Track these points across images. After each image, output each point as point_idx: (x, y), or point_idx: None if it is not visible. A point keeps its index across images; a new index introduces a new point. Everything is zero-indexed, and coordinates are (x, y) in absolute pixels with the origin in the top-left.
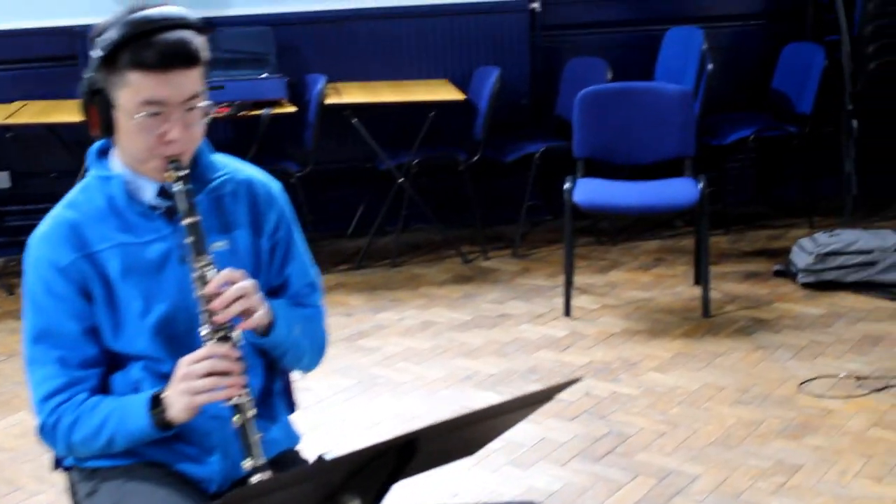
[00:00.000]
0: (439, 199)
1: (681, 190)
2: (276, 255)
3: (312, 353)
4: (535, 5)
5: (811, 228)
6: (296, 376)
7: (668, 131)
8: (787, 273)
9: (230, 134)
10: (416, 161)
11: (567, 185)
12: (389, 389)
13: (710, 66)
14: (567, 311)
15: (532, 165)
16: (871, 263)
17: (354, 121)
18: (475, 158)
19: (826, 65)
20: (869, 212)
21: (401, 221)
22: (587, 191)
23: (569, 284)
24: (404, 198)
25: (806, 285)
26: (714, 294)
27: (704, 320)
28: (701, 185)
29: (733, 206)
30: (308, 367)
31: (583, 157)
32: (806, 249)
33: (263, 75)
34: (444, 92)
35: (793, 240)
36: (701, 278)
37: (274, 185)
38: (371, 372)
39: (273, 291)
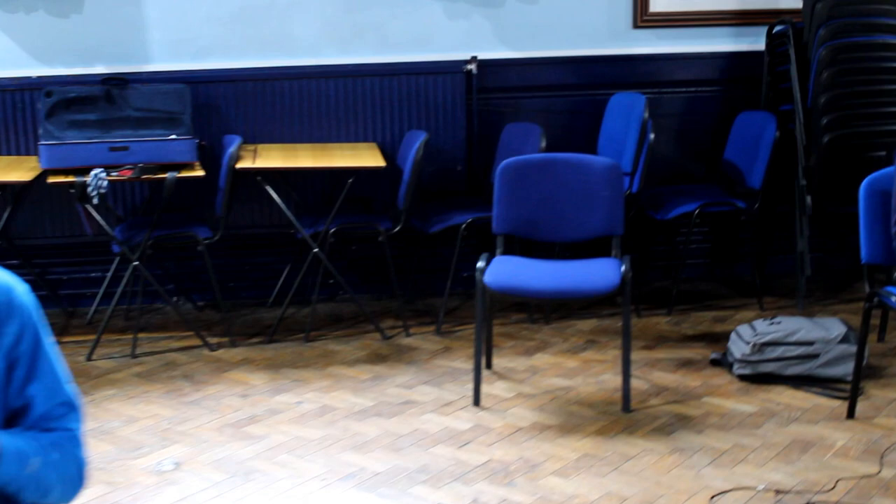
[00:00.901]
0: (367, 269)
1: (602, 273)
2: (15, 374)
3: (64, 486)
4: (472, 67)
5: (760, 311)
6: None
7: (594, 207)
8: (724, 363)
9: (142, 197)
10: (332, 230)
11: (480, 264)
12: (261, 488)
13: (651, 136)
14: (476, 401)
15: (458, 237)
16: (813, 356)
17: (267, 187)
18: (397, 229)
19: (778, 136)
20: (825, 293)
21: (316, 292)
22: (500, 271)
23: (478, 371)
24: (322, 268)
25: (742, 377)
26: (640, 385)
27: (623, 416)
28: (623, 269)
29: (685, 283)
30: (60, 500)
31: (502, 234)
32: (743, 338)
33: (172, 136)
34: (365, 157)
35: (740, 322)
36: (625, 366)
37: (17, 290)
38: (248, 465)
39: (14, 415)
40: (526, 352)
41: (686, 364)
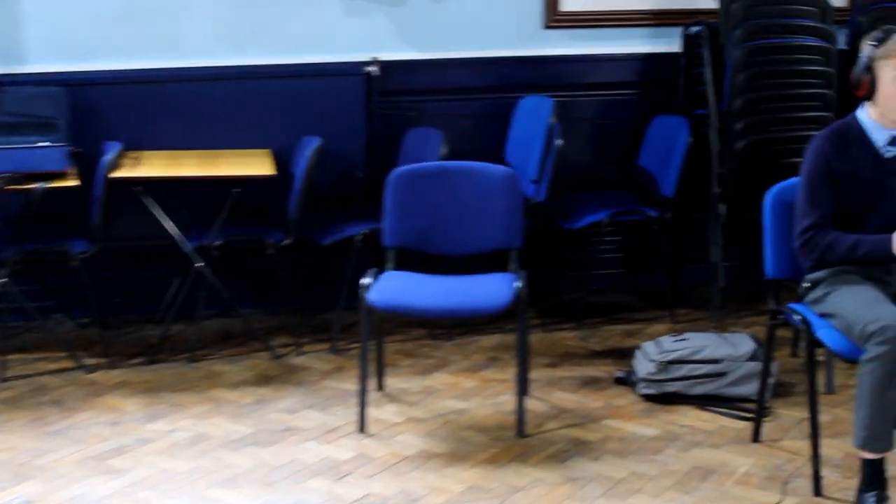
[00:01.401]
0: (263, 283)
1: (494, 290)
2: None
3: None
4: (373, 69)
5: (673, 324)
6: None
7: (491, 219)
8: (628, 381)
9: (16, 209)
10: (217, 243)
11: (365, 280)
12: None
13: (558, 142)
14: (361, 427)
15: (353, 249)
16: (720, 374)
17: (146, 197)
18: (288, 241)
19: (691, 142)
20: (741, 304)
21: (199, 308)
22: (387, 288)
23: (363, 396)
24: (205, 283)
25: (646, 397)
26: (538, 407)
27: (517, 441)
28: (517, 285)
29: (596, 295)
30: None
31: (394, 247)
32: (648, 356)
33: (42, 143)
34: (254, 165)
35: (651, 337)
36: (520, 390)
37: None
38: None
39: None
40: (423, 371)
41: (590, 383)
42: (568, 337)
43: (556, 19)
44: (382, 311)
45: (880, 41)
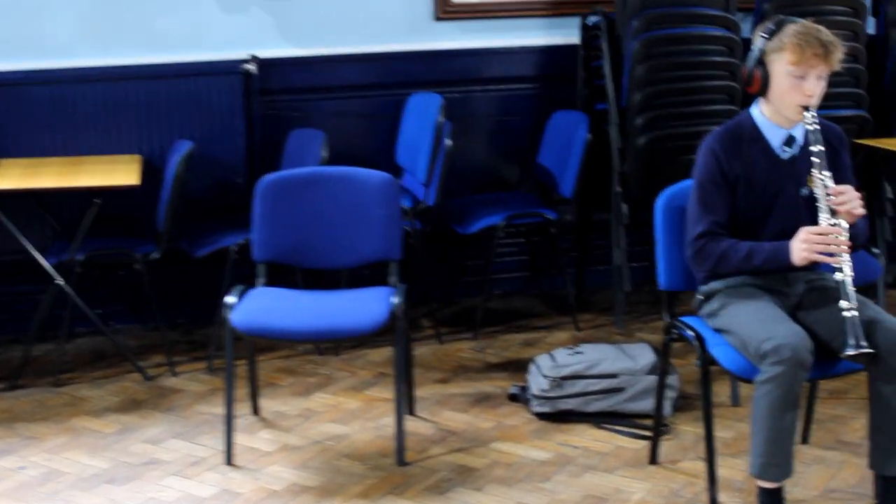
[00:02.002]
0: (138, 298)
1: (367, 307)
2: None
3: None
4: (251, 66)
5: (576, 332)
6: None
7: (368, 229)
8: (522, 398)
9: None
10: (79, 258)
11: (229, 299)
12: None
13: (447, 142)
14: (228, 459)
15: (228, 261)
16: (618, 389)
17: None
18: (156, 254)
19: (590, 139)
20: (648, 308)
21: (65, 328)
22: (251, 308)
23: (229, 424)
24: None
25: (540, 416)
26: (424, 429)
27: (396, 470)
28: (394, 302)
29: (497, 300)
30: None
31: (264, 261)
32: (542, 371)
33: None
34: (119, 173)
35: (551, 346)
36: (398, 416)
37: None
38: None
39: None
40: (304, 391)
41: (482, 400)
42: (464, 348)
43: (447, 10)
44: (244, 334)
45: (772, 32)
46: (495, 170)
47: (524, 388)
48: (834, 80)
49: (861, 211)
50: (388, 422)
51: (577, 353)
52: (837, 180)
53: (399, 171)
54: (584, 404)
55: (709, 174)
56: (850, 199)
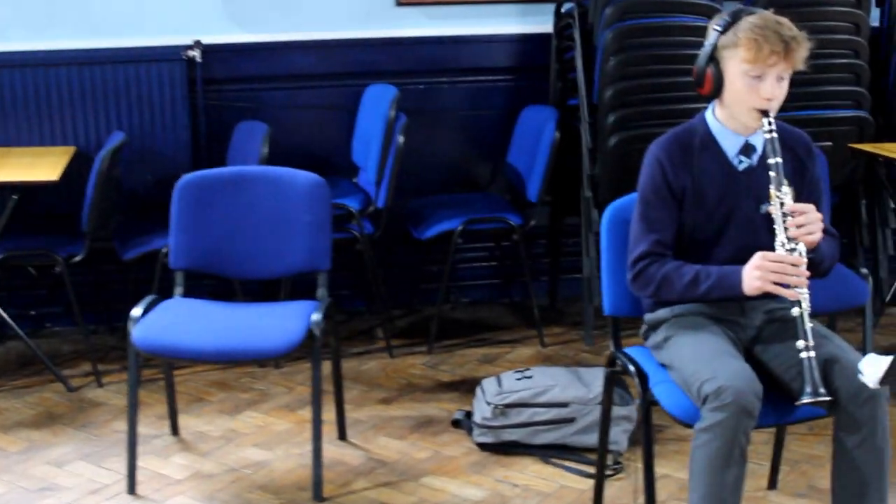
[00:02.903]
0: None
1: (283, 325)
2: None
3: None
4: (194, 53)
5: (541, 347)
6: None
7: (294, 236)
8: (465, 425)
9: None
10: None
11: (134, 312)
12: None
13: (399, 138)
14: (131, 487)
15: (157, 264)
16: (567, 420)
17: None
18: (79, 256)
19: (558, 137)
20: (623, 323)
21: None
22: (157, 323)
23: (132, 449)
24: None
25: (482, 446)
26: (353, 458)
27: None
28: (314, 319)
29: (463, 310)
30: None
31: (182, 270)
32: (486, 396)
33: None
34: (42, 166)
35: (512, 364)
36: (315, 447)
37: None
38: None
39: None
40: (234, 409)
41: (424, 425)
42: (416, 363)
43: None
44: (144, 352)
45: (727, 25)
46: (464, 168)
47: (469, 414)
48: (832, 77)
49: (817, 237)
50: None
51: (526, 377)
52: (803, 197)
53: (356, 169)
54: (530, 436)
55: (653, 187)
56: (809, 222)
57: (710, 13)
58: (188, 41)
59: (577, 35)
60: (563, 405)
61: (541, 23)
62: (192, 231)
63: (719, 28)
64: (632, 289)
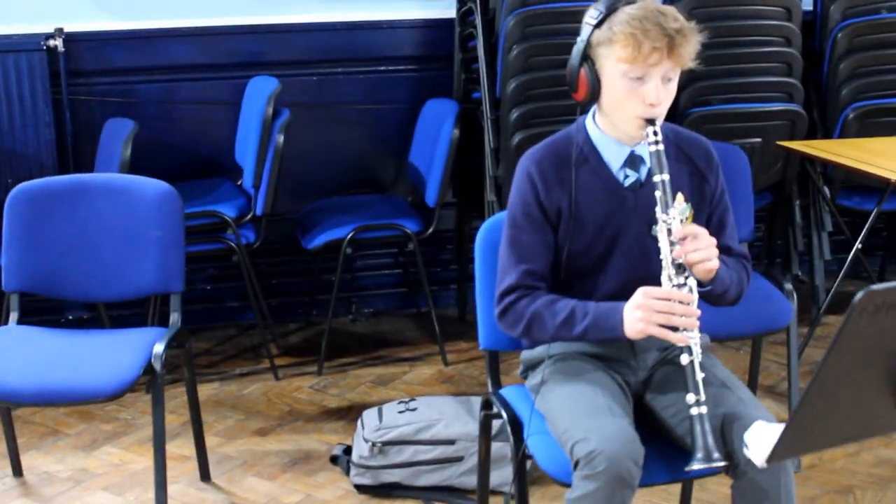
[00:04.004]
0: None
1: (117, 360)
2: None
3: None
4: (56, 42)
5: (444, 366)
6: None
7: (144, 253)
8: (343, 463)
9: None
10: None
11: None
12: None
13: (278, 138)
14: None
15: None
16: (455, 459)
17: None
18: None
19: (457, 135)
20: None
21: None
22: None
23: None
24: None
25: (360, 488)
26: (215, 501)
27: None
28: (156, 352)
29: (369, 323)
30: None
31: (17, 292)
32: (365, 432)
33: None
34: None
35: (409, 386)
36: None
37: None
38: None
39: None
40: (91, 443)
41: (300, 461)
42: (303, 386)
43: None
44: None
45: (601, 19)
46: (364, 168)
47: (348, 450)
48: (761, 67)
49: (712, 265)
50: (176, 490)
51: (409, 409)
52: (704, 215)
53: (241, 171)
54: (412, 476)
55: (522, 207)
56: (702, 248)
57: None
58: (49, 29)
59: (478, 21)
60: (450, 442)
61: (445, 7)
62: (26, 248)
63: (593, 21)
64: (500, 327)
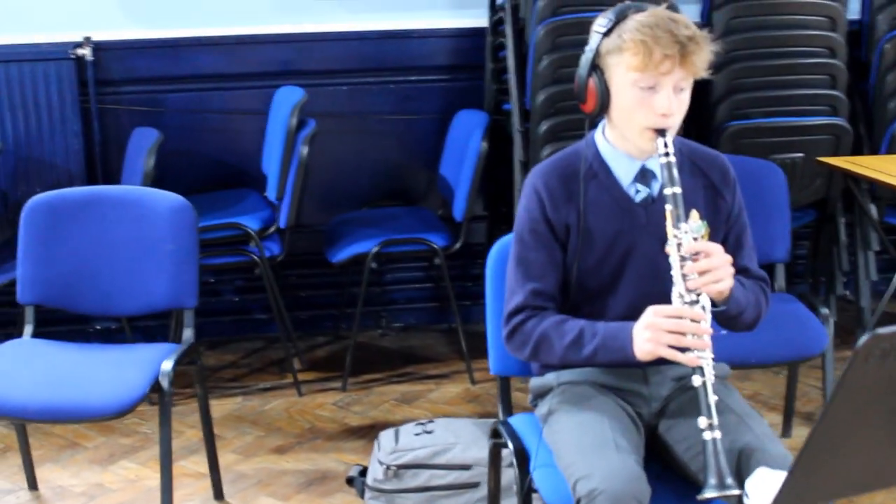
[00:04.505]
0: None
1: (124, 377)
2: None
3: None
4: (84, 51)
5: (470, 385)
6: None
7: (158, 267)
8: (359, 485)
9: None
10: None
11: None
12: None
13: (302, 149)
14: None
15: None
16: (471, 485)
17: None
18: None
19: (485, 148)
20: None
21: None
22: None
23: None
24: None
25: None
26: None
27: None
28: (165, 368)
29: (395, 337)
30: None
31: (32, 304)
32: (380, 454)
33: None
34: None
35: (433, 405)
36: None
37: None
38: None
39: None
40: (108, 457)
41: (317, 482)
42: (325, 403)
43: None
44: None
45: (610, 26)
46: (394, 180)
47: (364, 471)
48: (804, 79)
49: (726, 285)
50: None
51: (426, 432)
52: (720, 233)
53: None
54: (427, 502)
55: (530, 224)
56: (715, 267)
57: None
58: (77, 38)
59: (508, 31)
60: (466, 467)
61: (477, 16)
62: (41, 260)
63: (602, 30)
64: (507, 349)
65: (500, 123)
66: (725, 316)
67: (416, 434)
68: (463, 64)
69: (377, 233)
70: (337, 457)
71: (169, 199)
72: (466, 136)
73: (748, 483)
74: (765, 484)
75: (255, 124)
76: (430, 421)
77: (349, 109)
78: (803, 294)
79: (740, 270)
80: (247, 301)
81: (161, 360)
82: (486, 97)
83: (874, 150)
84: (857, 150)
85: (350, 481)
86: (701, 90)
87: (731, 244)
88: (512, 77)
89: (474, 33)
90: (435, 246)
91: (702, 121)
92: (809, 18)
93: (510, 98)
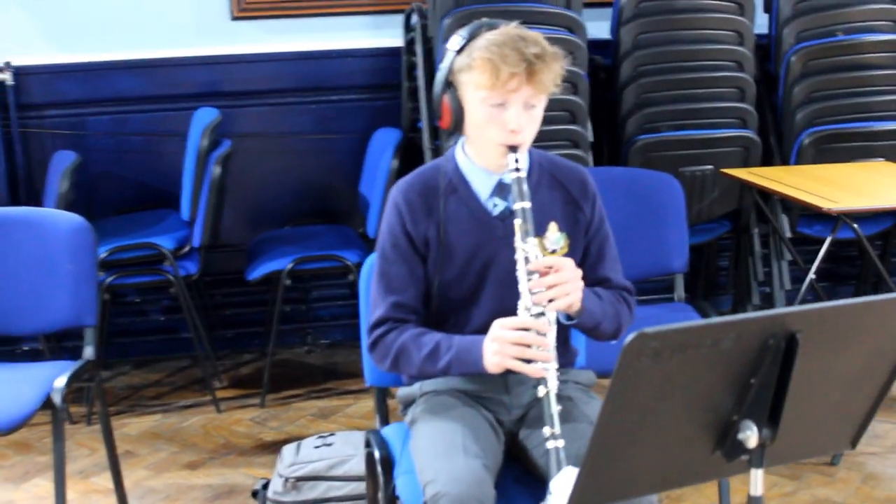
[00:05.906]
0: None
1: (15, 394)
2: None
3: None
4: (4, 76)
5: (391, 398)
6: None
7: (58, 286)
8: (262, 498)
9: None
10: None
11: None
12: None
13: (214, 170)
14: None
15: None
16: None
17: None
18: None
19: (396, 166)
20: None
21: None
22: None
23: None
24: None
25: None
26: None
27: None
28: (58, 385)
29: (321, 353)
30: None
31: None
32: (280, 466)
33: None
34: None
35: (349, 419)
36: None
37: None
38: None
39: None
40: (23, 475)
41: (223, 496)
42: (243, 419)
43: (247, 7)
44: None
45: (463, 45)
46: (319, 198)
47: (268, 485)
48: (713, 92)
49: (572, 298)
50: None
51: (326, 444)
52: (579, 246)
53: None
54: None
55: (391, 239)
56: (563, 282)
57: (570, 25)
58: None
59: (419, 49)
60: (362, 479)
61: (394, 35)
62: None
63: (455, 47)
64: (372, 360)
65: (416, 141)
66: (581, 328)
67: (316, 447)
68: (381, 83)
69: (293, 250)
70: (247, 471)
71: (68, 219)
72: (381, 154)
73: (553, 482)
74: (569, 483)
75: (176, 145)
76: (332, 434)
77: (271, 129)
78: (695, 302)
79: (601, 281)
80: (172, 320)
81: (54, 377)
82: (402, 115)
83: (784, 161)
84: (768, 161)
85: (255, 494)
86: (610, 105)
87: (593, 255)
88: (422, 94)
89: (391, 53)
90: (348, 262)
91: (612, 135)
92: (717, 33)
93: (421, 116)
